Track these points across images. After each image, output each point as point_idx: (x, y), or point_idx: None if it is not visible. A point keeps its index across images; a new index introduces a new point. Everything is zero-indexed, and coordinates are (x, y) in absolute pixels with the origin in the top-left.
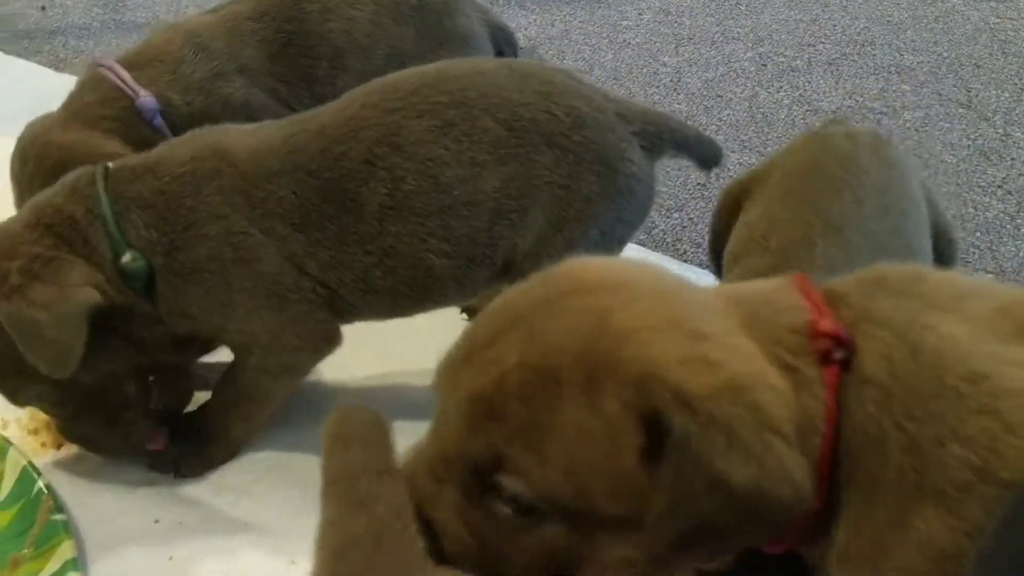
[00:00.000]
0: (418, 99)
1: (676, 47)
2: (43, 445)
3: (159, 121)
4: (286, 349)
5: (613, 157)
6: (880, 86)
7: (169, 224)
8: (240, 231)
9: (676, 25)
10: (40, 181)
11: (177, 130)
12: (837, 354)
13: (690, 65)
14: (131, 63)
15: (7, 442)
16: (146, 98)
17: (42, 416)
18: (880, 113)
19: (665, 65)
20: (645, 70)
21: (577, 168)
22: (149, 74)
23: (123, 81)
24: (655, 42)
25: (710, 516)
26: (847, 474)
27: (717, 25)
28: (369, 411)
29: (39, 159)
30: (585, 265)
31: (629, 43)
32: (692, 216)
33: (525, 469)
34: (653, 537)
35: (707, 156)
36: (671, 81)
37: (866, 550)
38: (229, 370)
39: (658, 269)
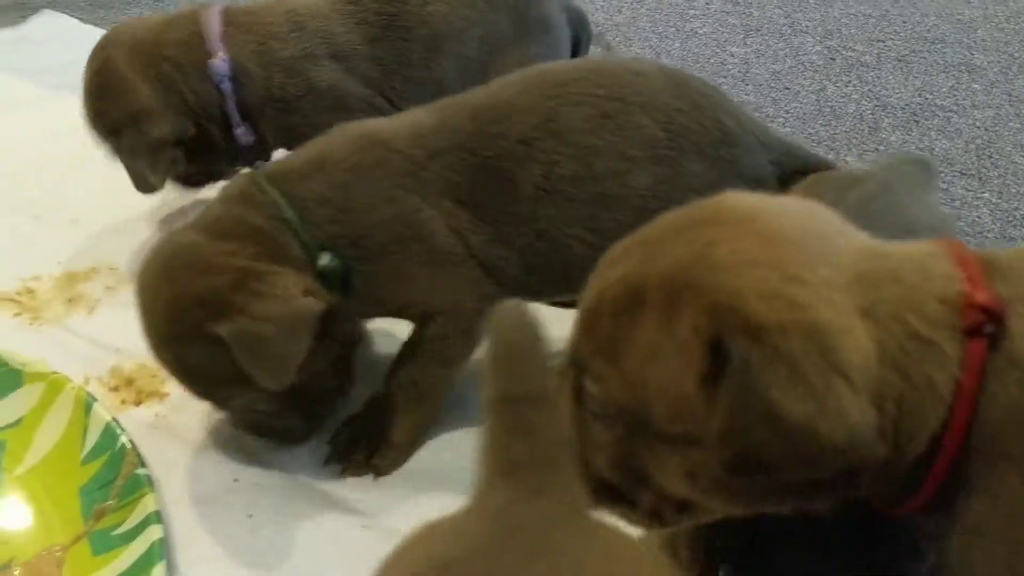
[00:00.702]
0: (575, 89)
1: (744, 38)
2: (123, 402)
3: (227, 85)
4: (465, 314)
5: (751, 180)
6: (950, 84)
7: (349, 216)
8: (414, 209)
9: (744, 16)
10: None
11: (243, 101)
12: (987, 328)
13: (758, 56)
14: (230, 19)
15: (91, 398)
16: (221, 61)
17: (122, 373)
18: (950, 111)
19: (733, 56)
20: (713, 60)
21: (720, 183)
22: (239, 37)
23: (211, 33)
24: (723, 32)
25: (762, 447)
26: (982, 448)
27: (786, 17)
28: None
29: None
30: (735, 199)
31: (697, 32)
32: None
33: (602, 378)
34: (711, 458)
35: None
36: (739, 72)
37: (1002, 522)
38: (398, 359)
39: (817, 212)
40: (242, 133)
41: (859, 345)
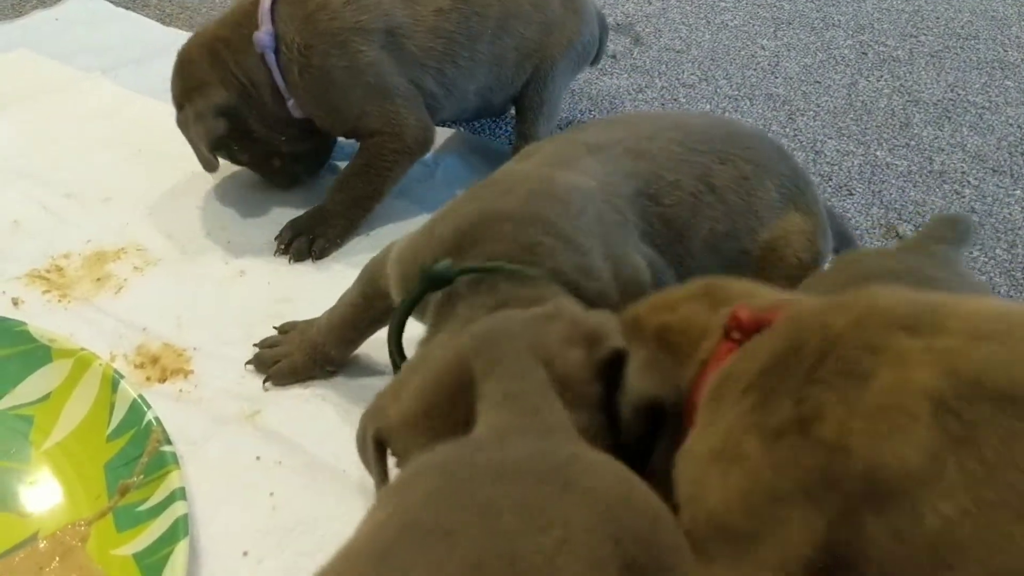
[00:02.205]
0: (720, 147)
1: (775, 31)
2: (148, 379)
3: (270, 56)
4: None
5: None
6: (983, 80)
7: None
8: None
9: (775, 9)
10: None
11: (285, 72)
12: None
13: (789, 49)
14: None
15: (118, 375)
16: (264, 33)
17: (148, 351)
18: (982, 108)
19: (763, 48)
20: (743, 52)
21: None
22: (287, 10)
23: (262, 8)
24: (753, 24)
25: None
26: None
27: (817, 11)
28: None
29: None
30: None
31: (727, 24)
32: None
33: None
34: None
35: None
36: (769, 64)
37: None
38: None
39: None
40: (292, 106)
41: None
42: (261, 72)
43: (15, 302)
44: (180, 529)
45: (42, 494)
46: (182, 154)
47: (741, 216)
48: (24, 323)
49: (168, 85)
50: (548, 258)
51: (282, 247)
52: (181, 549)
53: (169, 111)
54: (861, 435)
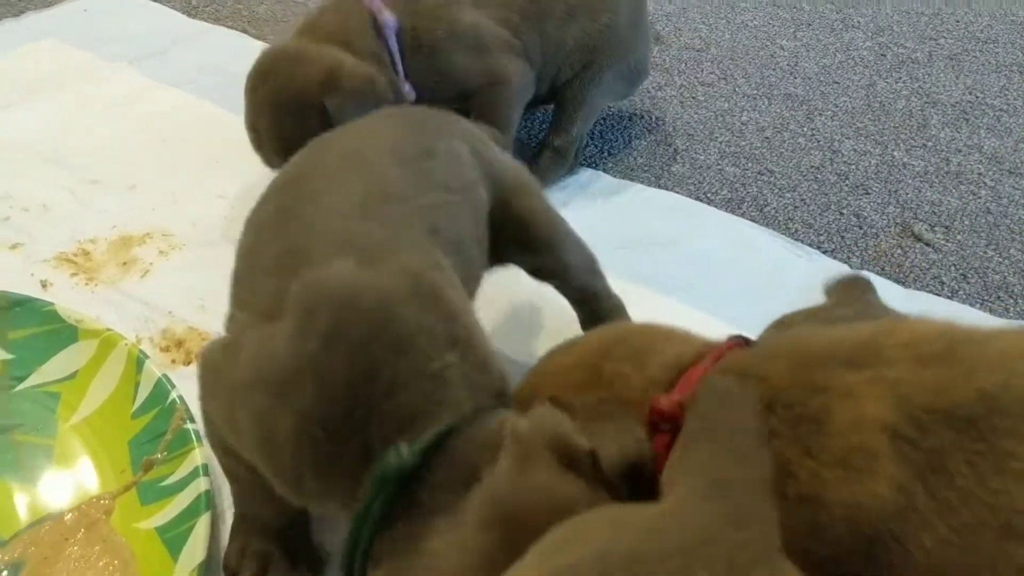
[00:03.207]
0: None
1: (794, 31)
2: (173, 362)
3: (394, 42)
4: None
5: None
6: (1002, 83)
7: None
8: None
9: (795, 10)
10: (272, 99)
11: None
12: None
13: (808, 50)
14: None
15: (143, 355)
16: (390, 18)
17: (173, 335)
18: (1000, 111)
19: (783, 48)
20: (762, 52)
21: None
22: None
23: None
24: (773, 25)
25: None
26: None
27: (836, 12)
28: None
29: (268, 74)
30: None
31: (747, 24)
32: (804, 197)
33: None
34: None
35: None
36: (788, 64)
37: None
38: None
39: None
40: (408, 90)
41: None
42: (380, 58)
43: (44, 284)
44: (202, 504)
45: (68, 468)
46: (206, 141)
47: None
48: (52, 303)
49: (193, 75)
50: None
51: None
52: (203, 523)
53: (192, 100)
54: (834, 484)
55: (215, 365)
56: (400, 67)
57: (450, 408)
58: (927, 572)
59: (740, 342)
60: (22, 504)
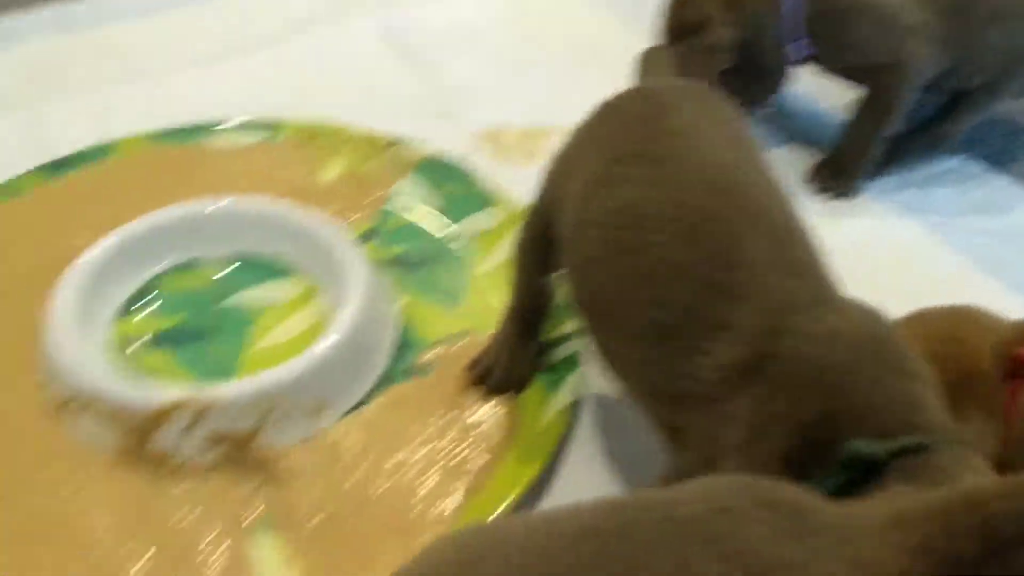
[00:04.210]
0: None
1: None
2: None
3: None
4: None
5: None
6: None
7: None
8: None
9: None
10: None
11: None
12: None
13: None
14: None
15: None
16: None
17: None
18: None
19: None
20: None
21: None
22: None
23: None
24: None
25: None
26: None
27: None
28: None
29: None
30: None
31: None
32: None
33: None
34: None
35: None
36: None
37: None
38: None
39: None
40: (792, 50)
41: None
42: (770, 16)
43: (469, 154)
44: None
45: (481, 302)
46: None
47: None
48: (474, 171)
49: None
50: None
51: (819, 187)
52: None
53: None
54: None
55: None
56: (788, 29)
57: (919, 430)
58: None
59: None
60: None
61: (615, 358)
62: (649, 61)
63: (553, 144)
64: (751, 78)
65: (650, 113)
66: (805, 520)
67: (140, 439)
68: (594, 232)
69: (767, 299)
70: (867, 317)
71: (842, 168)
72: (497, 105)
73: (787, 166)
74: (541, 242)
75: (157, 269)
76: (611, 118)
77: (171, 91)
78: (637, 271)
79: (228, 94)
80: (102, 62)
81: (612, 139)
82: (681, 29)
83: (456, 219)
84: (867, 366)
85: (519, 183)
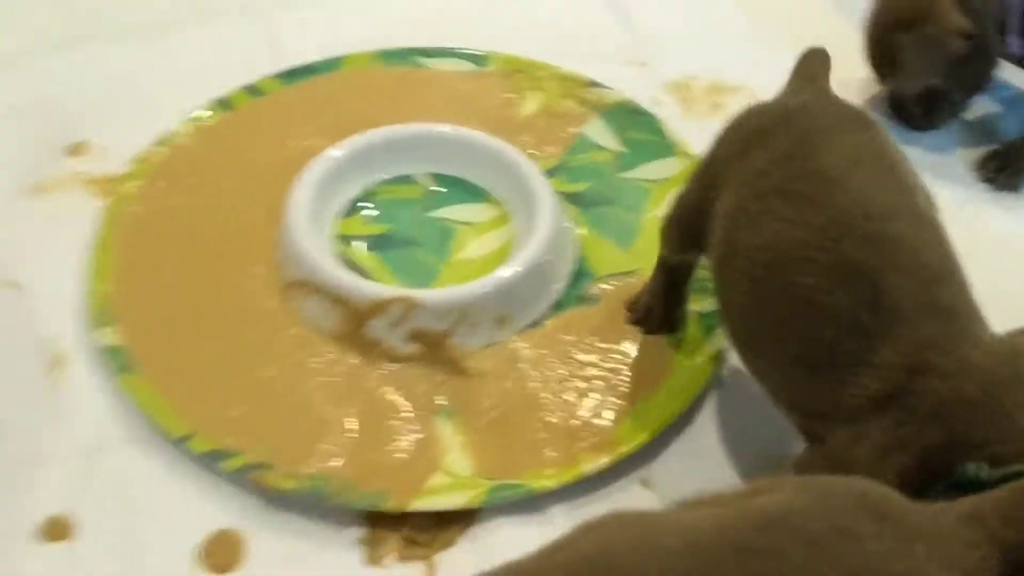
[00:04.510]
0: None
1: None
2: None
3: None
4: None
5: None
6: None
7: None
8: None
9: None
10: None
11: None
12: None
13: None
14: None
15: None
16: None
17: None
18: None
19: None
20: None
21: None
22: None
23: None
24: None
25: None
26: None
27: None
28: None
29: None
30: None
31: None
32: None
33: None
34: None
35: None
36: None
37: None
38: None
39: None
40: (1015, 43)
41: None
42: (996, 8)
43: (656, 101)
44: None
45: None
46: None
47: None
48: (661, 120)
49: None
50: None
51: (989, 176)
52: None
53: None
54: None
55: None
56: (1014, 22)
57: None
58: None
59: None
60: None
61: (756, 369)
62: (808, 65)
63: (737, 101)
64: (965, 74)
65: (800, 148)
66: (908, 528)
67: (356, 325)
68: (739, 263)
69: (909, 340)
70: (1006, 354)
71: (1009, 162)
72: (688, 56)
73: (962, 151)
74: (688, 227)
75: (376, 179)
76: (761, 141)
77: (393, 14)
78: (782, 308)
79: (443, 22)
80: None
81: (761, 169)
82: (907, 18)
83: (637, 164)
84: (995, 401)
85: (700, 134)
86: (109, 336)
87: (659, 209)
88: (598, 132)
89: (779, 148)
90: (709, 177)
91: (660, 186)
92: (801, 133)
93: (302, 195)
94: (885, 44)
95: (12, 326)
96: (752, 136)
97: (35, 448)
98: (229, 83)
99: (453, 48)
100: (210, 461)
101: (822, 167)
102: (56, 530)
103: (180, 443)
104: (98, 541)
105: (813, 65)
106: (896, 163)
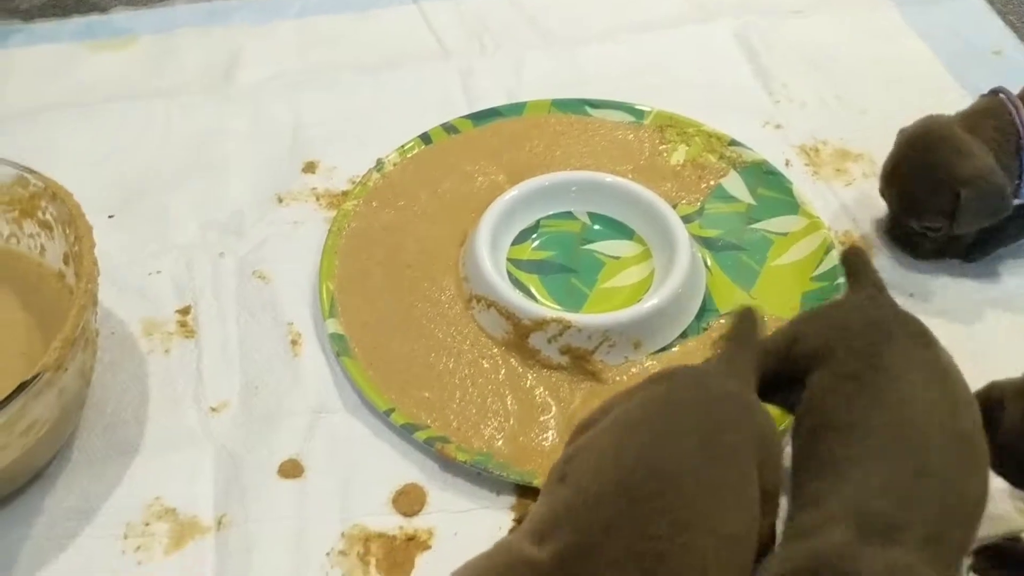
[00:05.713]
0: None
1: None
2: None
3: None
4: None
5: None
6: None
7: None
8: None
9: None
10: (918, 161)
11: None
12: None
13: None
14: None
15: (836, 244)
16: None
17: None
18: None
19: None
20: None
21: None
22: None
23: (1017, 115)
24: None
25: None
26: None
27: None
28: None
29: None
30: None
31: None
32: None
33: None
34: None
35: None
36: None
37: None
38: None
39: None
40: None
41: None
42: (1009, 168)
43: (787, 162)
44: None
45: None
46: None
47: None
48: (791, 182)
49: None
50: None
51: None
52: None
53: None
54: None
55: None
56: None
57: None
58: None
59: None
60: (738, 298)
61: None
62: (859, 262)
63: (860, 168)
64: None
65: (869, 346)
66: None
67: (521, 337)
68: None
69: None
70: None
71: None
72: (821, 121)
73: None
74: (775, 375)
75: (542, 214)
76: (837, 332)
77: (569, 67)
78: None
79: (609, 78)
80: (519, 27)
81: (837, 352)
82: (967, 178)
83: (764, 217)
84: None
85: (823, 195)
86: (333, 325)
87: (779, 259)
88: (734, 186)
89: (852, 339)
90: (805, 337)
91: (782, 239)
92: (874, 328)
93: (485, 225)
94: (929, 189)
95: (263, 309)
96: (838, 325)
97: (280, 405)
98: (430, 120)
99: (617, 101)
100: (405, 431)
101: (886, 363)
102: (292, 469)
103: (384, 415)
104: (321, 481)
105: (863, 264)
106: (947, 367)
